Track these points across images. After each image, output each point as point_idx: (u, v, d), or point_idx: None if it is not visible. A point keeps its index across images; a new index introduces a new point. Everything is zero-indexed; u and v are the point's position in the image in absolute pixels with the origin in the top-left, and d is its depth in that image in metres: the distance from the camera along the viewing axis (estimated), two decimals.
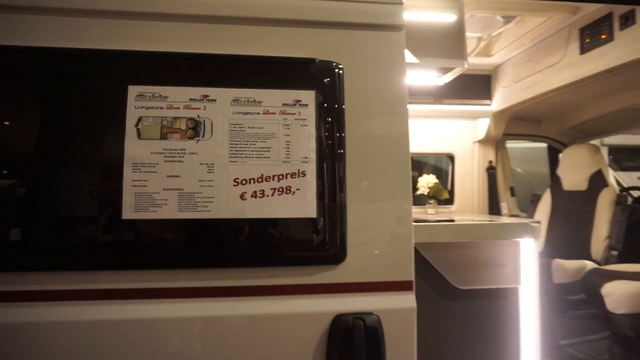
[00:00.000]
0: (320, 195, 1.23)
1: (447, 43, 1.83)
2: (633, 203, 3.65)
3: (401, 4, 1.34)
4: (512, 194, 4.10)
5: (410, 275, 1.29)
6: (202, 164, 1.19)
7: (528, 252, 1.66)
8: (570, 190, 3.63)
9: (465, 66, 1.93)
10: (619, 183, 3.96)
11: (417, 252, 1.59)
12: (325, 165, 1.24)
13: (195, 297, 1.19)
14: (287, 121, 1.24)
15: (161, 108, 1.18)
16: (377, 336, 1.23)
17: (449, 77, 2.34)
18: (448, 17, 1.83)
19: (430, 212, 3.75)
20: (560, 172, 3.75)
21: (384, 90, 1.31)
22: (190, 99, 1.20)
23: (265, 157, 1.21)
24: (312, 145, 1.24)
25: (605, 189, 3.38)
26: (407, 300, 1.28)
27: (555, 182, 3.79)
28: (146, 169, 1.16)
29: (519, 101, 3.32)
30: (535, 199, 3.94)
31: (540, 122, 4.01)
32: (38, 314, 1.11)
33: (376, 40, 1.33)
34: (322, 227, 1.23)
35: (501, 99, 3.59)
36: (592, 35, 2.52)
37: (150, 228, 1.16)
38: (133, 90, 1.17)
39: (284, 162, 1.22)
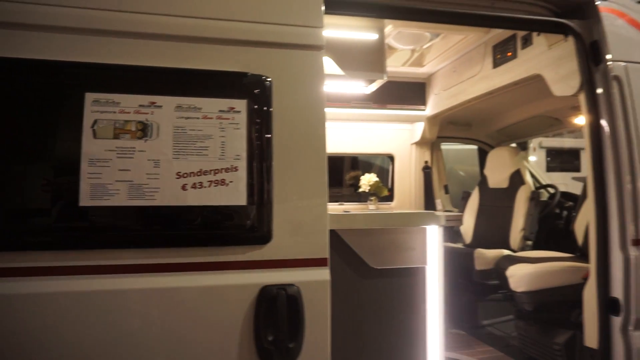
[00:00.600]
0: (250, 187, 1.48)
1: (369, 58, 2.12)
2: (549, 199, 4.10)
3: (321, 27, 1.61)
4: (446, 192, 4.49)
5: (325, 254, 1.56)
6: (149, 160, 1.41)
7: (433, 237, 1.97)
8: (495, 187, 4.04)
9: (385, 78, 2.23)
10: (538, 181, 4.42)
11: (338, 237, 1.86)
12: (255, 161, 1.50)
13: (142, 272, 1.41)
14: (222, 125, 1.48)
15: (114, 112, 1.40)
16: (297, 303, 1.49)
17: (374, 86, 2.64)
18: (370, 36, 2.13)
19: (371, 208, 4.07)
20: (486, 171, 4.15)
21: (306, 100, 1.58)
22: (140, 105, 1.42)
23: (203, 155, 1.45)
24: (244, 145, 1.49)
25: (522, 187, 3.79)
26: (323, 274, 1.55)
27: (482, 180, 4.19)
28: (101, 164, 1.37)
29: (447, 107, 3.69)
30: (465, 196, 4.33)
31: (471, 126, 4.41)
32: (14, 288, 1.30)
33: (300, 57, 1.59)
34: (252, 213, 1.48)
35: (433, 104, 3.96)
36: (502, 52, 2.90)
37: (105, 213, 1.38)
38: (90, 97, 1.38)
39: (219, 159, 1.46)
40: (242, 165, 1.48)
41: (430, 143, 4.30)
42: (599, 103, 2.12)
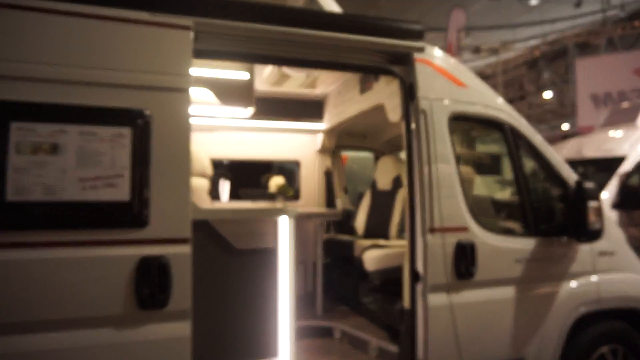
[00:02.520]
0: (132, 188, 2.14)
1: (241, 92, 2.82)
2: None
3: (188, 75, 2.28)
4: (346, 192, 5.26)
5: (188, 234, 2.23)
6: (58, 169, 2.05)
7: (283, 225, 2.68)
8: (381, 189, 4.84)
9: (252, 108, 2.94)
10: None
11: (209, 225, 2.53)
12: (137, 170, 2.16)
13: (55, 247, 2.04)
14: (113, 145, 2.13)
15: (32, 136, 2.02)
16: (166, 270, 2.16)
17: (249, 111, 3.34)
18: (243, 75, 2.83)
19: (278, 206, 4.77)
20: (376, 176, 4.95)
21: (176, 127, 2.25)
22: (52, 131, 2.05)
23: (98, 166, 2.10)
24: (128, 159, 2.14)
25: (401, 189, 4.60)
26: (186, 249, 2.23)
27: (373, 183, 4.98)
28: (22, 172, 1.99)
29: (337, 123, 4.46)
30: (360, 196, 5.12)
31: (366, 137, 5.21)
32: None
33: (172, 96, 2.26)
34: (134, 206, 2.14)
35: (328, 119, 4.73)
36: (364, 82, 3.68)
37: (26, 205, 2.00)
38: (14, 125, 2.00)
39: (110, 168, 2.12)
40: (127, 173, 2.14)
41: (331, 151, 5.06)
42: (412, 129, 2.90)
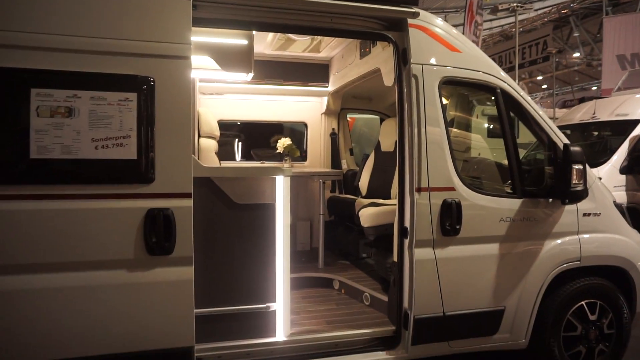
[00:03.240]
0: (139, 147, 2.38)
1: (240, 58, 3.00)
2: None
3: (189, 43, 2.47)
4: (351, 154, 5.45)
5: (190, 189, 2.48)
6: (73, 130, 2.29)
7: (280, 183, 2.90)
8: (385, 151, 5.00)
9: (251, 74, 3.11)
10: None
11: (212, 182, 2.77)
12: (143, 131, 2.39)
13: (73, 199, 2.32)
14: (120, 109, 2.36)
15: (49, 101, 2.26)
16: (170, 221, 2.43)
17: (250, 76, 3.51)
18: (242, 42, 3.00)
19: (286, 166, 5.00)
20: (380, 137, 5.10)
21: (178, 91, 2.46)
22: (67, 97, 2.29)
23: (108, 128, 2.34)
24: (135, 121, 2.37)
25: None
26: (188, 203, 2.48)
27: (377, 145, 5.14)
28: (42, 133, 2.25)
29: (340, 85, 4.59)
30: (365, 158, 5.29)
31: (371, 99, 5.33)
32: None
33: (174, 64, 2.46)
34: (141, 164, 2.39)
35: (333, 82, 4.86)
36: (364, 47, 3.79)
37: (45, 162, 2.27)
38: (34, 92, 2.24)
39: (119, 130, 2.36)
40: (134, 134, 2.38)
41: (337, 113, 5.22)
42: (404, 93, 3.04)
